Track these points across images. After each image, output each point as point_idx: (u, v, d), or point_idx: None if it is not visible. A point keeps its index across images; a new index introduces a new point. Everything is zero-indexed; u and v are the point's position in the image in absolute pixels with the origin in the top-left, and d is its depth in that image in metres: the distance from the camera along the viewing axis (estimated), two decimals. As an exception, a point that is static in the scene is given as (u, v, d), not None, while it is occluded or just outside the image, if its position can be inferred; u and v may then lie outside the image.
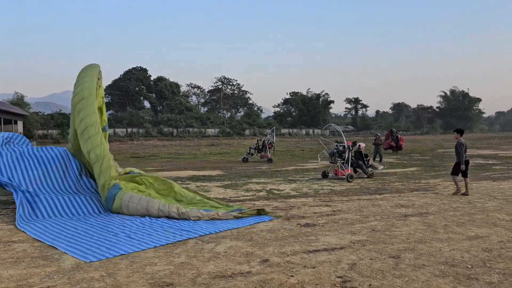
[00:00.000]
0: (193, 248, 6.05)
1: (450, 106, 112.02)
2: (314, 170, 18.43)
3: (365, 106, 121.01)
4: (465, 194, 10.86)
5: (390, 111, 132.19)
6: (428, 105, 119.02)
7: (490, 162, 22.62)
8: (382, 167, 18.32)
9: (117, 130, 60.71)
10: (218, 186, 12.92)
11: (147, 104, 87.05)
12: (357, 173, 15.72)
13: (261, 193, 11.46)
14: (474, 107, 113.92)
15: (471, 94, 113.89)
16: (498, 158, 25.63)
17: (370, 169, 15.76)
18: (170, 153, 32.03)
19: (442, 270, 5.06)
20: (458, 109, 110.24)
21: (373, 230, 7.11)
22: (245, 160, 23.10)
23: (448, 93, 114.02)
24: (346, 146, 15.27)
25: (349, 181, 14.16)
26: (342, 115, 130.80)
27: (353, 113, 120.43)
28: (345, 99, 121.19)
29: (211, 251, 5.89)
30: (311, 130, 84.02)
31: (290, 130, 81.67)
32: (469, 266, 5.19)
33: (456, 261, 5.40)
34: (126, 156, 29.03)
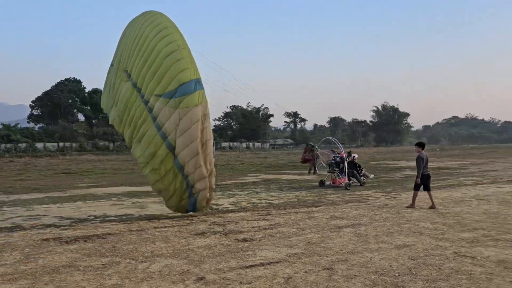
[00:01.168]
0: (126, 269, 5.80)
1: (382, 120, 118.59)
2: (254, 184, 18.55)
3: (303, 120, 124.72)
4: (432, 207, 10.85)
5: (327, 125, 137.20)
6: (362, 119, 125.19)
7: (414, 173, 24.07)
8: (372, 175, 19.57)
9: (48, 144, 57.33)
10: (156, 202, 12.56)
11: (81, 117, 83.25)
12: (351, 181, 16.77)
13: (200, 209, 11.30)
14: (403, 121, 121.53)
15: (400, 109, 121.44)
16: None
17: (362, 177, 17.17)
18: (105, 169, 30.73)
19: (372, 279, 5.26)
20: (389, 123, 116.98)
21: (309, 242, 7.25)
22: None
23: (380, 108, 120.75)
24: (343, 158, 16.74)
25: (347, 189, 15.54)
26: (282, 128, 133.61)
27: (292, 126, 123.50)
28: (284, 113, 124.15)
29: (145, 271, 5.68)
30: (251, 144, 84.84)
31: (231, 143, 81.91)
32: (397, 275, 5.45)
33: (385, 270, 5.64)
34: (56, 172, 27.39)
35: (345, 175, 16.43)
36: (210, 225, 8.92)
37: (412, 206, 11.06)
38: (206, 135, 9.03)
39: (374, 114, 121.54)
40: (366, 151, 73.91)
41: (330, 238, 7.60)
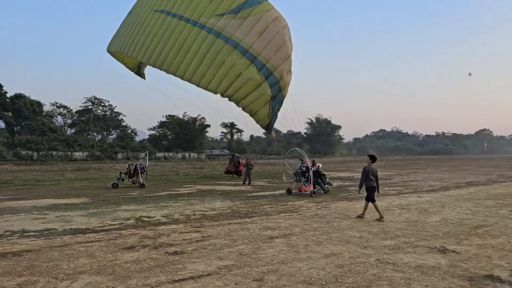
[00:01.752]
0: (44, 288, 5.41)
1: (315, 132, 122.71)
2: (188, 195, 18.26)
3: (240, 131, 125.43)
4: (360, 216, 11.22)
5: (264, 136, 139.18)
6: (297, 131, 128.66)
7: (347, 183, 25.15)
8: (336, 183, 20.62)
9: (-39, 153, 52.37)
10: (82, 215, 11.90)
11: (1, 124, 77.09)
12: (316, 189, 17.86)
13: (130, 221, 10.89)
14: (335, 134, 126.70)
15: (333, 122, 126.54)
16: (354, 180, 28.67)
17: (326, 186, 18.52)
18: (27, 179, 28.63)
19: (300, 289, 5.36)
20: (323, 135, 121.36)
21: (240, 254, 7.26)
22: (115, 186, 21.81)
23: (314, 120, 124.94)
24: (308, 167, 18.04)
25: (312, 196, 16.61)
26: (219, 139, 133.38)
27: (229, 137, 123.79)
28: (221, 123, 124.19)
29: (65, 290, 5.34)
30: (187, 154, 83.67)
31: (166, 153, 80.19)
32: (324, 283, 5.61)
33: (313, 279, 5.78)
34: (-30, 183, 25.02)
35: (311, 184, 17.62)
36: (139, 238, 8.62)
37: (361, 216, 11.22)
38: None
39: (308, 126, 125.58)
40: (300, 162, 75.94)
41: (262, 248, 7.66)
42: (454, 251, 7.42)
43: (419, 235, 8.87)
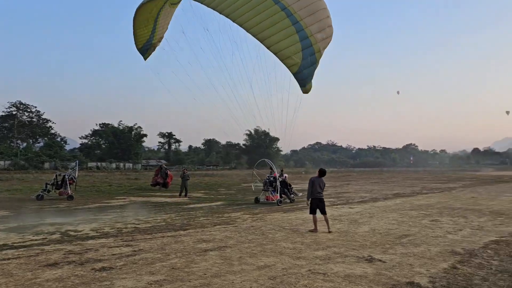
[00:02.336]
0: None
1: (254, 143, 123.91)
2: (121, 207, 17.56)
3: (178, 141, 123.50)
4: (313, 230, 11.03)
5: (202, 147, 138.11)
6: (236, 142, 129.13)
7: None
8: (301, 193, 21.38)
9: None
10: (0, 230, 10.98)
11: None
12: (283, 198, 18.93)
13: (54, 236, 10.21)
14: (273, 146, 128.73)
15: (271, 134, 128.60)
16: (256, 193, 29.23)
17: (292, 195, 19.53)
18: None
19: (232, 302, 5.32)
20: (261, 147, 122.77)
21: (173, 268, 7.07)
22: (40, 198, 20.40)
23: (252, 132, 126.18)
24: (276, 177, 19.20)
25: (278, 205, 17.63)
26: (156, 149, 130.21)
27: (167, 147, 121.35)
28: (158, 133, 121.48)
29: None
30: (122, 164, 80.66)
31: (99, 163, 76.72)
32: (256, 296, 5.61)
33: (245, 292, 5.76)
34: None
35: (278, 193, 18.64)
36: (64, 254, 8.10)
37: (314, 230, 11.03)
38: None
39: (247, 137, 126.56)
40: (238, 173, 76.19)
41: (195, 262, 7.53)
42: (380, 260, 7.78)
43: (349, 245, 9.20)
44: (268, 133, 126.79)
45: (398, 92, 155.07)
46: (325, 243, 9.48)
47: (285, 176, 20.01)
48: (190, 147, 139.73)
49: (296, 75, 8.44)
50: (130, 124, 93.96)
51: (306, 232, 11.05)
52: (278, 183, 19.05)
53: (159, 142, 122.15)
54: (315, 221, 11.17)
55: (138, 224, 12.36)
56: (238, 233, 10.84)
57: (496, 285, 6.32)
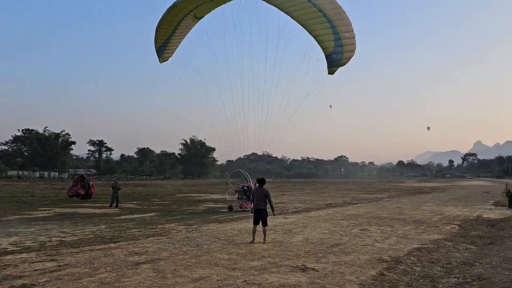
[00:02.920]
0: None
1: (190, 153, 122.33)
2: (44, 219, 16.41)
3: (110, 150, 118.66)
4: (251, 241, 10.91)
5: (135, 156, 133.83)
6: (171, 152, 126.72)
7: (219, 205, 25.44)
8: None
9: None
10: None
11: None
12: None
13: (-34, 251, 9.28)
14: (209, 156, 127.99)
15: (207, 144, 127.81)
16: (226, 202, 29.14)
17: None
18: None
19: (165, 317, 5.14)
20: (197, 157, 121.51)
21: (102, 283, 6.71)
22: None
23: (188, 141, 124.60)
24: (250, 187, 20.15)
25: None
26: (85, 157, 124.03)
27: (97, 156, 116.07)
28: (88, 140, 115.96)
29: None
30: (46, 173, 75.68)
31: (20, 172, 71.35)
32: (190, 309, 5.48)
33: (179, 306, 5.60)
34: None
35: (251, 201, 19.48)
36: (-22, 271, 7.37)
37: (252, 241, 10.94)
38: None
39: (182, 147, 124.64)
40: (173, 183, 74.64)
41: (126, 276, 7.21)
42: (313, 269, 7.97)
43: (283, 255, 9.33)
44: (204, 143, 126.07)
45: (330, 106, 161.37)
46: (260, 253, 9.53)
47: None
48: (122, 156, 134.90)
49: (327, 56, 10.82)
50: (57, 131, 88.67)
51: (242, 242, 11.04)
52: (252, 192, 19.90)
53: (89, 150, 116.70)
54: (253, 232, 11.18)
55: (64, 237, 11.62)
56: (172, 244, 10.57)
57: (419, 290, 6.73)
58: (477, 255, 9.59)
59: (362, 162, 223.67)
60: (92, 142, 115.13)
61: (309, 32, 10.72)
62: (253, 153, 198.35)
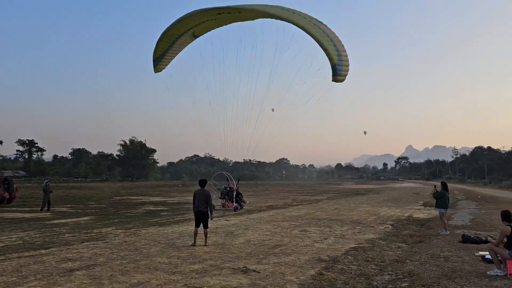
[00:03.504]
0: None
1: (129, 154, 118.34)
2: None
3: (41, 150, 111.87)
4: (192, 244, 10.74)
5: (70, 157, 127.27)
6: (109, 153, 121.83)
7: (159, 208, 24.86)
8: (248, 201, 25.64)
9: None
10: None
11: None
12: (238, 204, 22.43)
13: None
14: (150, 157, 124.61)
15: (148, 145, 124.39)
16: (166, 204, 28.58)
17: (243, 203, 23.15)
18: None
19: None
20: (136, 158, 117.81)
21: (30, 292, 6.27)
22: None
23: (127, 142, 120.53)
24: (232, 188, 23.04)
25: (235, 211, 21.02)
26: (13, 158, 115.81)
27: (27, 156, 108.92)
28: (17, 140, 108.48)
29: None
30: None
31: None
32: (128, 316, 5.27)
33: (116, 313, 5.37)
34: None
35: (233, 201, 22.35)
36: None
37: (193, 244, 10.77)
38: None
39: (121, 148, 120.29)
40: (111, 185, 71.73)
41: (59, 284, 6.80)
42: (254, 270, 8.00)
43: (225, 257, 9.29)
44: (144, 144, 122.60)
45: (272, 110, 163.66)
46: (202, 256, 9.42)
47: (237, 187, 23.61)
48: (55, 156, 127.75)
49: (333, 66, 12.64)
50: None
51: (183, 246, 10.84)
52: (235, 193, 22.76)
53: (17, 150, 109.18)
54: (195, 235, 11.04)
55: (-12, 244, 10.74)
56: (109, 249, 10.14)
57: (355, 287, 6.99)
58: (408, 253, 10.16)
59: (303, 164, 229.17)
60: (21, 142, 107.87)
61: (320, 46, 12.85)
62: (194, 154, 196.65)
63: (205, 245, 10.77)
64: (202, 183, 11.35)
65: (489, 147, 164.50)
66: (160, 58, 15.16)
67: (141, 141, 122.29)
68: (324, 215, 20.16)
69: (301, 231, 14.13)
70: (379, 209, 24.55)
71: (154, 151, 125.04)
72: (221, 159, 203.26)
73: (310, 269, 8.25)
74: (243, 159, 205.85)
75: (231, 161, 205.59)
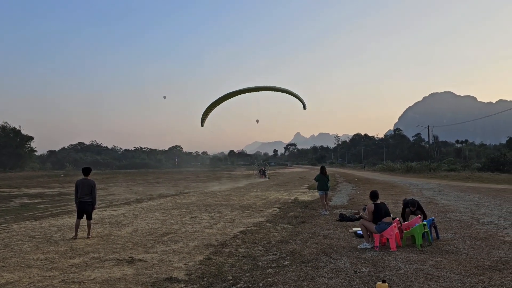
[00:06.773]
0: None
1: (1, 143, 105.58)
2: None
3: None
4: (74, 237, 10.07)
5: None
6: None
7: (36, 201, 22.69)
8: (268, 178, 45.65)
9: None
10: None
11: None
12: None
13: None
14: (26, 145, 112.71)
15: (23, 132, 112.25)
16: (45, 196, 26.18)
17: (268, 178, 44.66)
18: None
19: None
20: (9, 146, 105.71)
21: None
22: None
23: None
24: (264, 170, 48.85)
25: (268, 179, 40.28)
26: None
27: None
28: None
29: None
30: None
31: None
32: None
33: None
34: None
35: (266, 176, 38.45)
36: None
37: (74, 236, 10.13)
38: None
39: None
40: (-23, 177, 63.23)
41: None
42: (141, 260, 7.77)
43: (109, 249, 8.85)
44: (19, 131, 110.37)
45: (164, 97, 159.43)
46: (83, 249, 8.85)
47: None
48: None
49: (303, 103, 22.11)
50: None
51: (62, 239, 10.05)
52: (267, 172, 47.11)
53: None
54: (76, 227, 10.33)
55: None
56: (-28, 249, 8.96)
57: (242, 269, 7.21)
58: (291, 233, 10.79)
59: (196, 152, 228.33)
60: None
61: (291, 95, 22.01)
62: (79, 142, 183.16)
63: (88, 237, 10.15)
64: (86, 171, 10.63)
65: (365, 134, 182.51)
66: (205, 119, 23.21)
67: (14, 128, 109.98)
68: (215, 201, 20.39)
69: (192, 217, 14.10)
70: (268, 193, 25.62)
71: (31, 138, 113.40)
72: (109, 146, 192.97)
73: (198, 254, 8.28)
74: (134, 147, 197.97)
75: (120, 148, 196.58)
